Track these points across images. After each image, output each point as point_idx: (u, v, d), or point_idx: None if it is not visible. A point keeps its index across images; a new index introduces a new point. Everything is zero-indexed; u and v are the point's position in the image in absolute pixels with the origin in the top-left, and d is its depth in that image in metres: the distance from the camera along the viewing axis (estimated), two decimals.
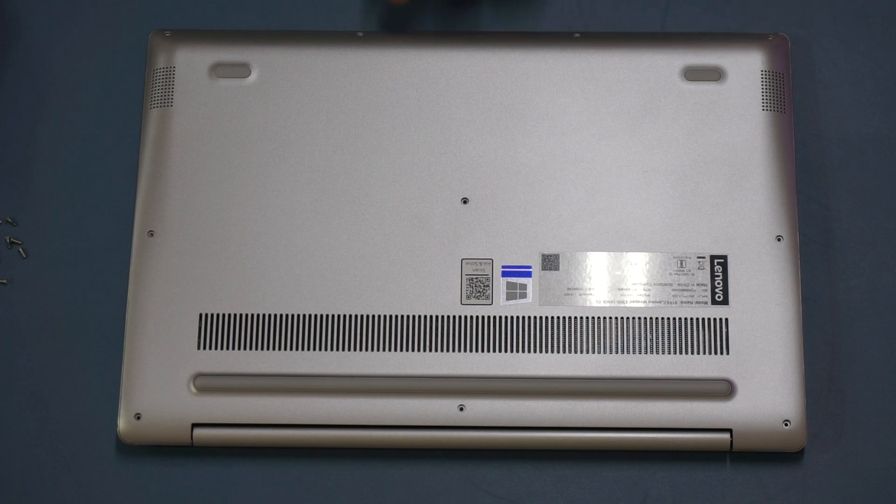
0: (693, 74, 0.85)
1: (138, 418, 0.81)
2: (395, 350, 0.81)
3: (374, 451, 0.82)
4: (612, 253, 0.83)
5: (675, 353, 0.81)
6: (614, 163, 0.84)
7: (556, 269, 0.83)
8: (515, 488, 0.82)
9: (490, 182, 0.84)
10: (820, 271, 0.85)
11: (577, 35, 0.87)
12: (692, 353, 0.81)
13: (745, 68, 0.85)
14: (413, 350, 0.81)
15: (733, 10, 0.90)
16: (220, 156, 0.84)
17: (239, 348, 0.82)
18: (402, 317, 0.82)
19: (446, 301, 0.82)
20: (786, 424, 0.80)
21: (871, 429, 0.83)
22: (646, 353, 0.81)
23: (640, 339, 0.82)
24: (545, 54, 0.86)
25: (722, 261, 0.83)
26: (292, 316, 0.82)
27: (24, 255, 0.86)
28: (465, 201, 0.84)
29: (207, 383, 0.81)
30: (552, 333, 0.82)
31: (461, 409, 0.81)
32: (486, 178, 0.84)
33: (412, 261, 0.83)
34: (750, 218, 0.83)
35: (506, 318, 0.82)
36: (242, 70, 0.86)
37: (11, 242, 0.86)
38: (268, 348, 0.82)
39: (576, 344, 0.82)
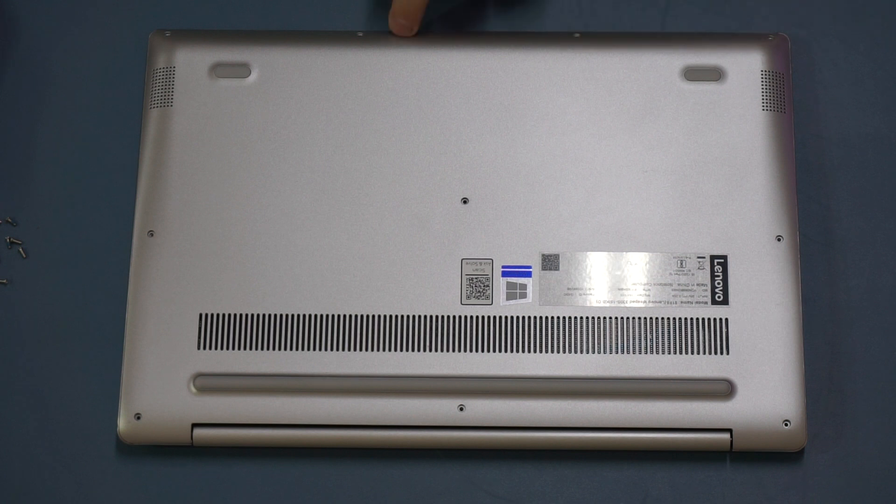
0: (693, 74, 0.85)
1: (138, 418, 0.81)
2: (395, 350, 0.81)
3: (374, 451, 0.82)
4: (612, 253, 0.83)
5: (675, 353, 0.81)
6: (614, 163, 0.84)
7: (556, 269, 0.83)
8: (515, 488, 0.82)
9: (490, 182, 0.84)
10: (820, 271, 0.85)
11: (577, 35, 0.87)
12: (692, 353, 0.81)
13: (745, 68, 0.85)
14: (413, 350, 0.81)
15: (733, 10, 0.90)
16: (220, 156, 0.84)
17: (239, 348, 0.82)
18: (402, 317, 0.82)
19: (446, 301, 0.82)
20: (786, 424, 0.80)
21: (871, 429, 0.83)
22: (646, 353, 0.81)
23: (640, 339, 0.82)
24: (545, 54, 0.86)
25: (722, 261, 0.83)
26: (292, 316, 0.82)
27: (24, 255, 0.86)
28: (465, 201, 0.84)
29: (207, 383, 0.81)
30: (552, 333, 0.82)
31: (461, 409, 0.81)
32: (486, 178, 0.84)
33: (412, 261, 0.83)
34: (750, 218, 0.83)
35: (506, 318, 0.82)
36: (242, 70, 0.86)
37: (11, 242, 0.86)
38: (268, 348, 0.82)
39: (576, 344, 0.82)
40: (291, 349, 0.82)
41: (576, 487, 0.82)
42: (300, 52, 0.86)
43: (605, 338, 0.82)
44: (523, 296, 0.82)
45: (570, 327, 0.82)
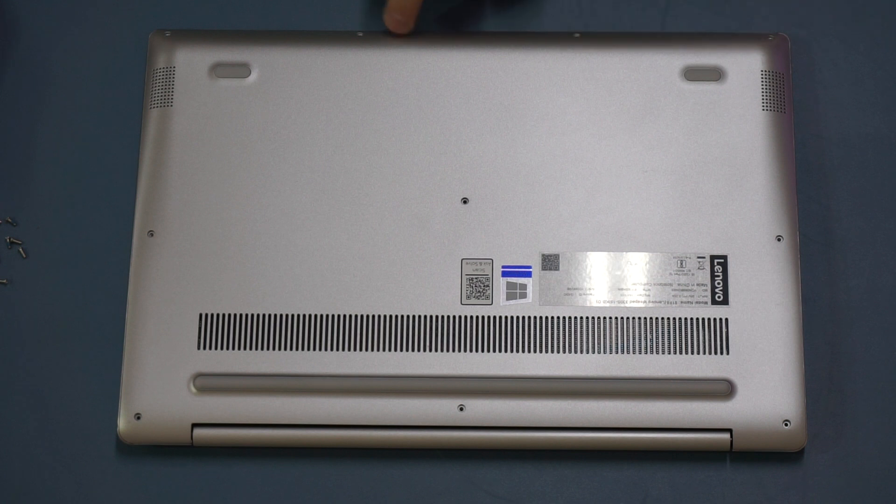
0: (693, 74, 0.85)
1: (138, 418, 0.81)
2: (395, 350, 0.81)
3: (374, 451, 0.82)
4: (612, 253, 0.83)
5: (675, 353, 0.81)
6: (614, 163, 0.84)
7: (556, 269, 0.83)
8: (515, 488, 0.82)
9: (490, 182, 0.84)
10: (820, 271, 0.85)
11: (577, 35, 0.87)
12: (692, 353, 0.81)
13: (745, 68, 0.85)
14: (413, 350, 0.81)
15: (733, 10, 0.90)
16: (220, 156, 0.84)
17: (239, 348, 0.82)
18: (402, 317, 0.82)
19: (446, 301, 0.82)
20: (786, 424, 0.80)
21: (871, 429, 0.83)
22: (646, 353, 0.81)
23: (640, 339, 0.82)
24: (545, 54, 0.86)
25: (722, 261, 0.83)
26: (292, 316, 0.82)
27: (24, 255, 0.86)
28: (465, 201, 0.84)
29: (207, 383, 0.81)
30: (552, 333, 0.82)
31: (461, 409, 0.81)
32: (486, 178, 0.84)
33: (412, 261, 0.83)
34: (750, 218, 0.83)
35: (506, 318, 0.82)
36: (242, 70, 0.86)
37: (11, 242, 0.86)
38: (268, 348, 0.82)
39: (576, 344, 0.82)
40: (291, 349, 0.82)
41: (576, 487, 0.82)
42: (300, 52, 0.86)
43: (605, 338, 0.82)
44: (523, 296, 0.82)
45: (570, 327, 0.82)
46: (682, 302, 0.82)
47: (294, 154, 0.84)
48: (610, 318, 0.82)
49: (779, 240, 0.83)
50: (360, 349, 0.81)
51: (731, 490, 0.82)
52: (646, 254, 0.83)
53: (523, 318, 0.82)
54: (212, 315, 0.82)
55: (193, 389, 0.81)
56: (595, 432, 0.81)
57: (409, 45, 0.86)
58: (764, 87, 0.85)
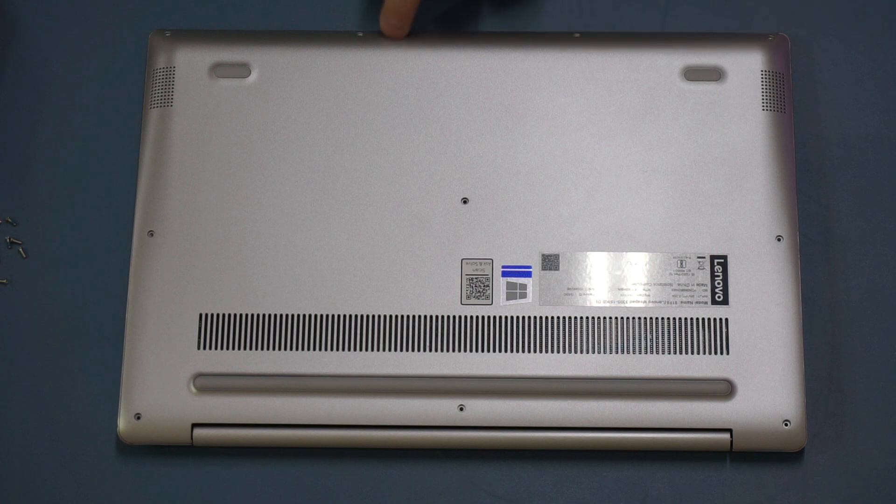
0: (693, 74, 0.85)
1: (138, 418, 0.81)
2: (395, 350, 0.81)
3: (374, 451, 0.82)
4: (612, 253, 0.83)
5: (675, 353, 0.81)
6: (614, 163, 0.84)
7: (556, 269, 0.83)
8: (515, 488, 0.82)
9: (490, 182, 0.84)
10: (820, 271, 0.85)
11: (577, 35, 0.87)
12: (692, 353, 0.81)
13: (745, 68, 0.85)
14: (413, 350, 0.81)
15: (733, 10, 0.90)
16: (220, 156, 0.84)
17: (239, 348, 0.82)
18: (402, 317, 0.82)
19: (446, 301, 0.82)
20: (786, 424, 0.80)
21: (871, 429, 0.83)
22: (646, 353, 0.81)
23: (640, 339, 0.82)
24: (545, 54, 0.86)
25: (722, 261, 0.83)
26: (292, 316, 0.82)
27: (24, 255, 0.86)
28: (465, 201, 0.84)
29: (207, 383, 0.81)
30: (552, 333, 0.82)
31: (461, 409, 0.81)
32: (486, 178, 0.84)
33: (412, 261, 0.83)
34: (750, 218, 0.83)
35: (506, 318, 0.82)
36: (242, 70, 0.86)
37: (11, 242, 0.86)
38: (268, 348, 0.82)
39: (576, 344, 0.82)
40: (291, 349, 0.82)
41: (576, 487, 0.82)
42: (300, 52, 0.86)
43: (605, 338, 0.82)
44: (523, 296, 0.82)
45: (570, 327, 0.82)
46: (682, 302, 0.82)
47: (294, 154, 0.84)
48: (610, 318, 0.82)
49: (779, 240, 0.83)
50: (360, 349, 0.81)
51: (731, 490, 0.82)
52: (646, 254, 0.83)
53: (523, 318, 0.82)
54: (212, 315, 0.82)
55: (193, 389, 0.81)
56: (595, 432, 0.81)
57: (409, 46, 0.86)
58: (764, 87, 0.85)
